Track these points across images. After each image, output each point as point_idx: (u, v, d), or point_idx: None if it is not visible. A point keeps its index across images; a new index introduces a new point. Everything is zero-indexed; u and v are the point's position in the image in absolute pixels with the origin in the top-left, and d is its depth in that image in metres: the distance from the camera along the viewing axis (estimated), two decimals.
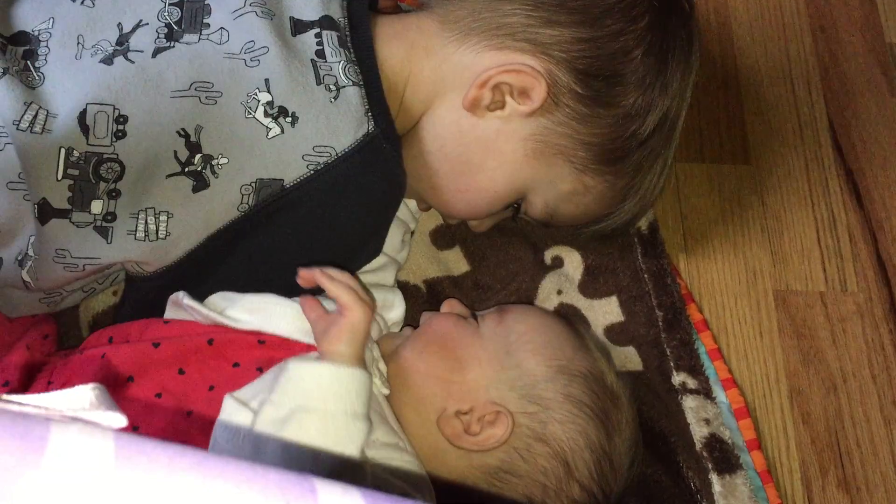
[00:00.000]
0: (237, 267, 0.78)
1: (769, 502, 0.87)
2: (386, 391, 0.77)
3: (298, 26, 0.77)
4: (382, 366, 0.78)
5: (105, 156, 0.71)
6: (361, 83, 0.76)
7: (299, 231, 0.77)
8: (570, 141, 0.79)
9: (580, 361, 0.78)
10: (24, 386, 0.75)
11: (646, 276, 0.94)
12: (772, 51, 1.17)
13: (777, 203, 1.06)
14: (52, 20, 0.75)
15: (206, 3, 0.76)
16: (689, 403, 0.89)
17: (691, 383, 0.90)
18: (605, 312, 0.93)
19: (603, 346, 0.86)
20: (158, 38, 0.74)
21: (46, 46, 0.74)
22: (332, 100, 0.74)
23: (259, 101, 0.73)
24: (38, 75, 0.73)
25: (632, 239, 0.96)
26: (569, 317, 0.91)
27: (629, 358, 0.92)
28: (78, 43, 0.74)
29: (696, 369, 0.91)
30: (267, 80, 0.73)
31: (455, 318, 0.81)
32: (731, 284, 1.00)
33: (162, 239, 0.74)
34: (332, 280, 0.72)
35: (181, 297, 0.76)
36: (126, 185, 0.72)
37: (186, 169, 0.72)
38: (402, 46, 0.80)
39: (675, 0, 0.81)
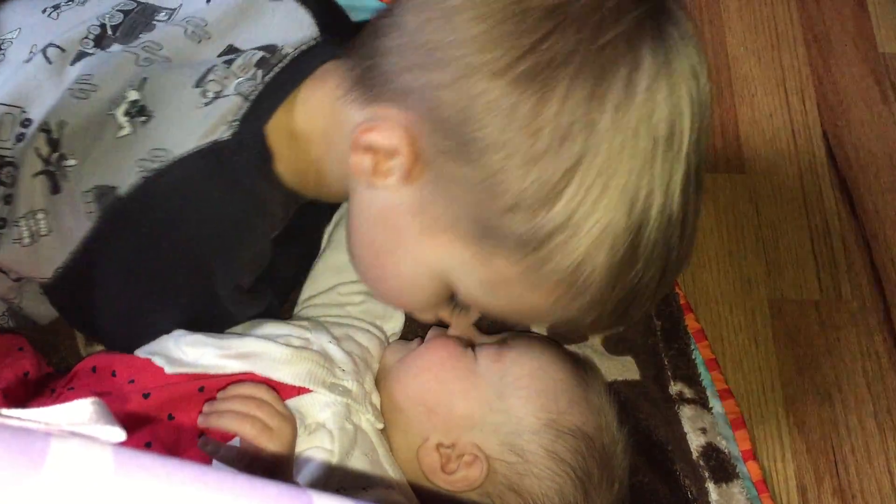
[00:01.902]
0: (119, 285, 0.70)
1: None
2: (380, 426, 0.75)
3: (230, 50, 0.70)
4: (376, 398, 0.77)
5: (6, 159, 0.67)
6: (252, 98, 0.66)
7: (150, 246, 0.68)
8: (452, 211, 0.61)
9: (573, 416, 0.75)
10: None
11: None
12: (765, 60, 1.17)
13: (772, 212, 1.06)
14: (18, 31, 0.75)
15: (152, 22, 0.73)
16: (686, 413, 0.89)
17: (688, 393, 0.90)
18: None
19: (608, 396, 0.80)
20: (86, 38, 0.71)
21: (2, 54, 0.73)
22: (202, 105, 0.66)
23: (126, 98, 0.66)
24: None
25: None
26: (586, 362, 0.87)
27: (627, 367, 0.91)
28: (31, 52, 0.72)
29: (693, 379, 0.91)
30: (144, 79, 0.67)
31: (455, 346, 0.78)
32: (726, 293, 1.01)
33: (44, 236, 0.67)
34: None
35: (155, 352, 0.71)
36: (17, 190, 0.67)
37: (47, 168, 0.67)
38: (327, 100, 0.67)
39: None
